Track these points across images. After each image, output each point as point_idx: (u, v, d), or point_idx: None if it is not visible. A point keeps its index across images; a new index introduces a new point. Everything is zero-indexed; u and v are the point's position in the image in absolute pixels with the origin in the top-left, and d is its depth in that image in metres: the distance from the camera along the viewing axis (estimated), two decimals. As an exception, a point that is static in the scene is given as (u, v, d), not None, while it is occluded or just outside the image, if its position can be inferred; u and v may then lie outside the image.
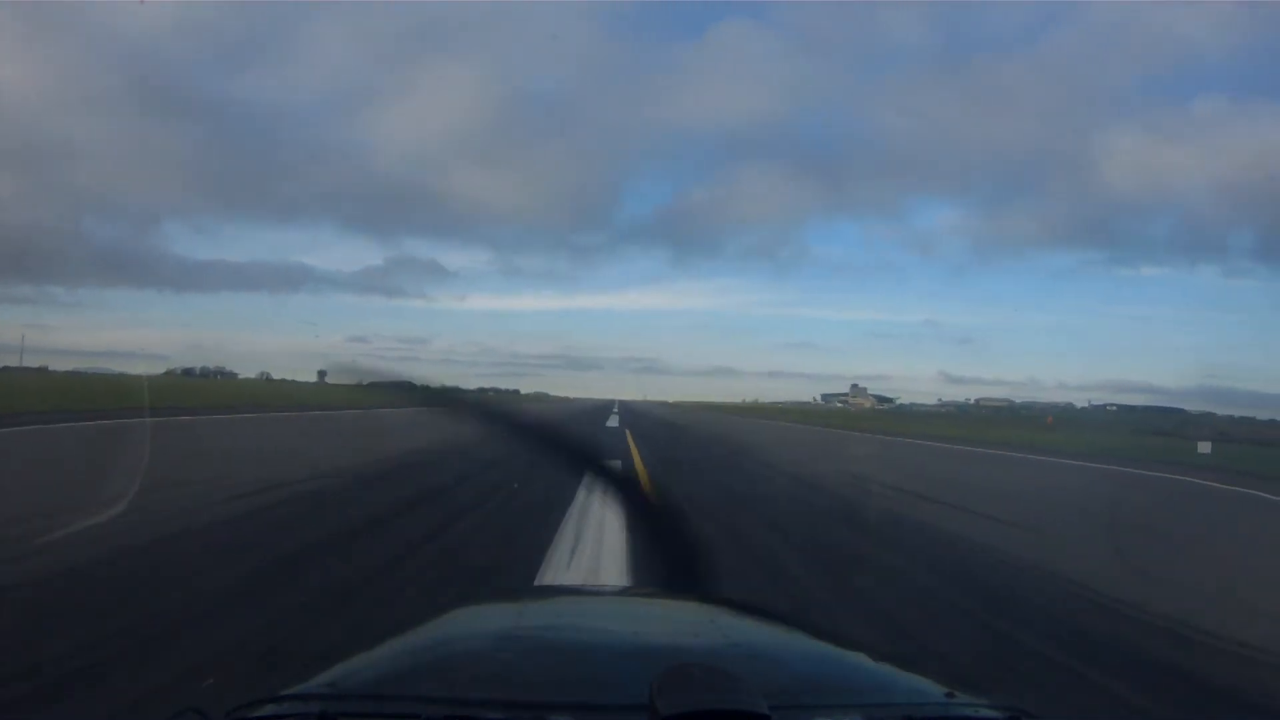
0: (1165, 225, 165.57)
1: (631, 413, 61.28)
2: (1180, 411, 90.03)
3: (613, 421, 30.65)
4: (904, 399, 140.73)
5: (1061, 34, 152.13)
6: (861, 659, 1.81)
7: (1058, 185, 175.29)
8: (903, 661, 1.79)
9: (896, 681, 1.70)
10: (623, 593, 3.64)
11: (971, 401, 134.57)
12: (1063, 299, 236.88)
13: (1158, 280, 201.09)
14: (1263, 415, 67.83)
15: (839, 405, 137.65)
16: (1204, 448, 27.04)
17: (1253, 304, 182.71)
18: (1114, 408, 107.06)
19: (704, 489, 12.43)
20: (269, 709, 1.34)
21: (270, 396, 49.11)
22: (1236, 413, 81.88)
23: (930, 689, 1.61)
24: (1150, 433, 48.60)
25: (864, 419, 72.25)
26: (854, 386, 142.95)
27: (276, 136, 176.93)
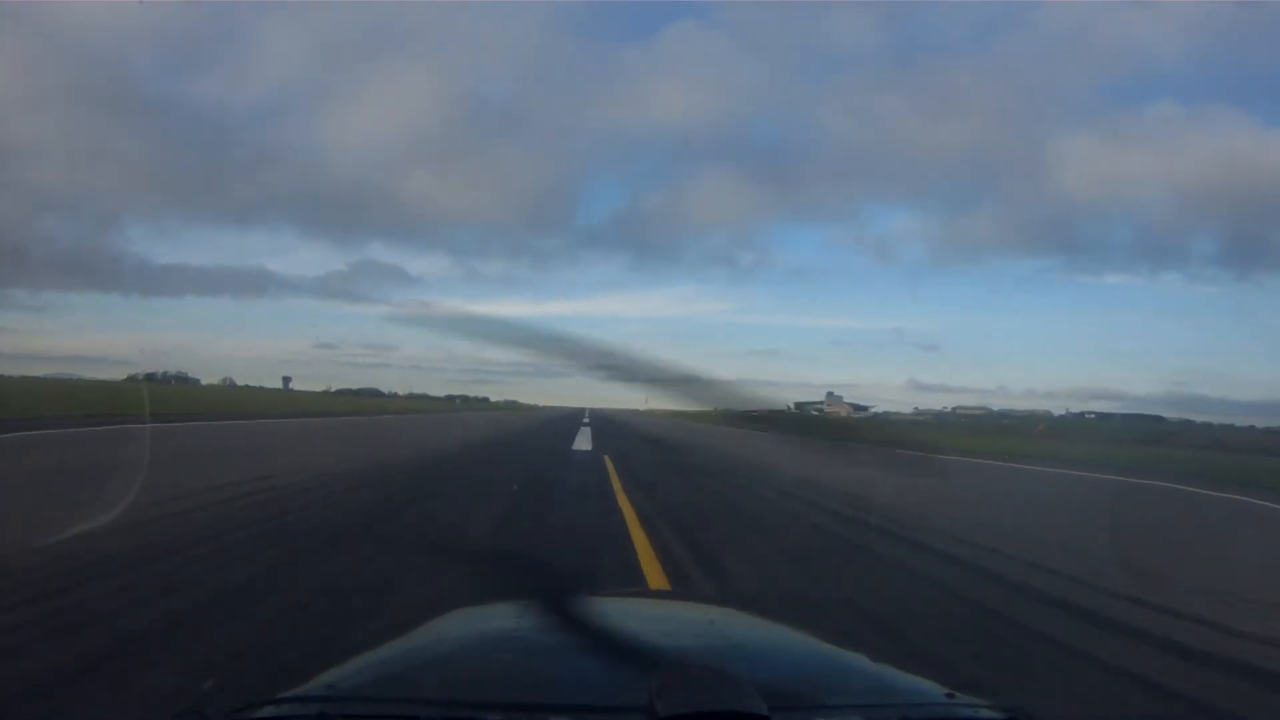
0: (1126, 232, 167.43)
1: (606, 425, 50.00)
2: (1159, 419, 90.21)
3: (582, 441, 21.51)
4: (877, 407, 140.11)
5: (1020, 38, 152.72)
6: (861, 660, 1.78)
7: (1017, 192, 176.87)
8: (902, 662, 1.78)
9: (896, 682, 1.69)
10: (621, 595, 3.57)
11: (948, 410, 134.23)
12: (1026, 306, 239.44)
13: (1120, 287, 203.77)
14: (1239, 422, 66.97)
15: (814, 413, 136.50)
16: None
17: (1216, 311, 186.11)
18: (1093, 415, 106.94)
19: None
20: (268, 710, 1.34)
21: (234, 404, 46.68)
22: (1206, 419, 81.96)
23: (930, 689, 1.61)
24: (1140, 441, 47.61)
25: (827, 425, 70.73)
26: (830, 394, 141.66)
27: (236, 140, 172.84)
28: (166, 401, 41.73)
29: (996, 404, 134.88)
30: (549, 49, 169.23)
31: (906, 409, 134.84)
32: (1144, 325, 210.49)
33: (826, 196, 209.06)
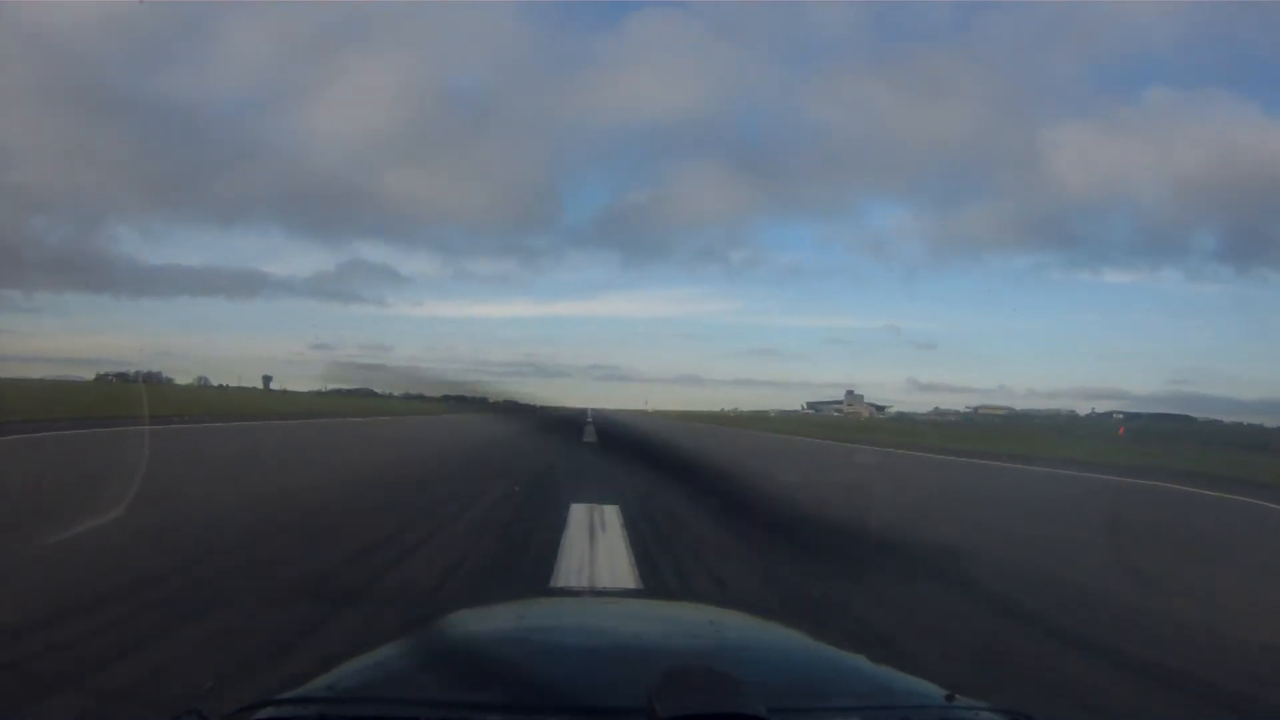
0: (1126, 227, 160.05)
1: (616, 435, 30.95)
2: (1188, 418, 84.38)
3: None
4: (891, 407, 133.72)
5: (1015, 25, 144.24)
6: (861, 661, 1.80)
7: (1013, 185, 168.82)
8: (902, 664, 1.77)
9: (896, 684, 1.67)
10: (622, 596, 3.57)
11: (970, 409, 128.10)
12: (1024, 303, 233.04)
13: (1120, 284, 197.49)
14: (1253, 421, 61.75)
15: (835, 414, 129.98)
16: None
17: (1217, 308, 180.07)
18: (1120, 415, 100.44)
19: None
20: (268, 711, 1.33)
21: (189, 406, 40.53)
22: (1212, 417, 77.46)
23: (930, 691, 1.58)
24: (1247, 448, 41.33)
25: (880, 430, 64.03)
26: (849, 393, 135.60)
27: (222, 140, 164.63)
28: (129, 403, 35.79)
29: (997, 402, 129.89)
30: (533, 43, 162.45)
31: (919, 409, 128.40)
32: (1144, 323, 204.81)
33: (821, 194, 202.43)
